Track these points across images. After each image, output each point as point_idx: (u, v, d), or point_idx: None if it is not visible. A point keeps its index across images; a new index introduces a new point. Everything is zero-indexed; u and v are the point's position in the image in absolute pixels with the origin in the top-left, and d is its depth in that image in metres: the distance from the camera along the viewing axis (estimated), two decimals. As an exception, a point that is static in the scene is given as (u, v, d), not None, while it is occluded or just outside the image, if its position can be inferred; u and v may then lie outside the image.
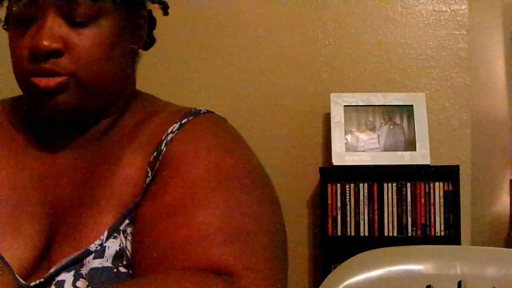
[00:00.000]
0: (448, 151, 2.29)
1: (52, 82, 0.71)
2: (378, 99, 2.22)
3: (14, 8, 0.72)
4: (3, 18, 0.78)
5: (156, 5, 0.83)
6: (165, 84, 2.31)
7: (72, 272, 0.69)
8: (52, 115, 0.75)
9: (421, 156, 2.15)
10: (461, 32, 2.31)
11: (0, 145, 0.78)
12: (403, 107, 2.21)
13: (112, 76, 0.76)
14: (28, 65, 0.71)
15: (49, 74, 0.71)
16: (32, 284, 0.69)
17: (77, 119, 0.77)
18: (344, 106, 2.21)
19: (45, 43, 0.70)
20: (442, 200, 2.10)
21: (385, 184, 2.11)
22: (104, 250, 0.69)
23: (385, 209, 2.11)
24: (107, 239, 0.70)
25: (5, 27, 0.77)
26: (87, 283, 0.68)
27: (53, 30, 0.71)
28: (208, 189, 0.69)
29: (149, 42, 0.85)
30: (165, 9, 0.83)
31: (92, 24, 0.72)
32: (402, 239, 2.08)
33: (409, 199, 2.11)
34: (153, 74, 2.23)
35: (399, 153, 2.17)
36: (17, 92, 0.80)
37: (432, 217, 2.09)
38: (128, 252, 0.70)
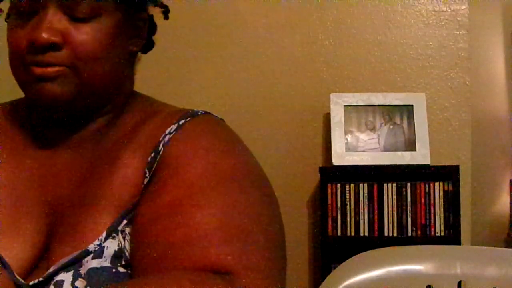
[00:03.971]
0: (448, 151, 2.29)
1: (49, 69, 0.71)
2: (378, 99, 2.22)
3: (16, 1, 0.72)
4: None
5: (157, 9, 0.83)
6: (165, 84, 2.31)
7: (71, 272, 0.69)
8: (47, 106, 0.75)
9: (421, 156, 2.15)
10: (461, 32, 2.31)
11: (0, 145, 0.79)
12: (403, 107, 2.21)
13: (110, 74, 0.76)
14: (26, 56, 0.72)
15: (46, 65, 0.71)
16: (31, 283, 0.69)
17: (72, 113, 0.76)
18: (344, 106, 2.21)
19: (44, 35, 0.70)
20: (442, 200, 2.10)
21: (385, 184, 2.11)
22: (103, 250, 0.69)
23: (385, 209, 2.11)
24: (105, 239, 0.70)
25: (7, 20, 0.77)
26: (85, 283, 0.68)
27: (53, 23, 0.71)
28: (207, 189, 0.69)
29: (148, 45, 0.85)
30: (166, 13, 0.83)
31: (93, 21, 0.73)
32: (402, 239, 2.08)
33: (409, 199, 2.10)
34: (152, 74, 2.23)
35: (399, 153, 2.17)
36: (17, 92, 0.80)
37: (432, 217, 2.09)
38: (126, 252, 0.70)
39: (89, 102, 0.76)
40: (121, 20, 0.76)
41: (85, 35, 0.72)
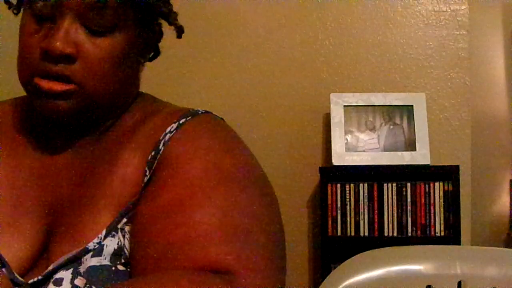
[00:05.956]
0: (448, 151, 2.29)
1: (57, 86, 0.71)
2: (378, 99, 2.22)
3: (37, 4, 0.71)
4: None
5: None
6: (165, 84, 2.31)
7: (71, 270, 0.69)
8: (50, 116, 0.75)
9: (421, 156, 2.15)
10: (461, 32, 2.31)
11: (0, 144, 0.79)
12: (403, 107, 2.21)
13: (117, 87, 0.76)
14: (36, 64, 0.71)
15: (56, 78, 0.70)
16: (31, 281, 0.69)
17: (76, 122, 0.76)
18: (344, 106, 2.21)
19: (59, 45, 0.69)
20: (442, 200, 2.10)
21: (385, 184, 2.11)
22: (102, 249, 0.69)
23: (385, 209, 2.11)
24: (105, 237, 0.70)
25: (15, 11, 0.77)
26: (85, 281, 0.68)
27: (69, 33, 0.70)
28: (207, 188, 0.69)
29: (154, 54, 0.85)
30: (180, 33, 0.81)
31: (109, 35, 0.72)
32: (402, 239, 2.08)
33: (409, 199, 2.10)
34: (153, 74, 2.22)
35: (399, 153, 2.17)
36: (17, 92, 0.80)
37: (432, 217, 2.09)
38: (126, 251, 0.70)
39: (95, 114, 0.76)
40: (135, 33, 0.75)
41: (99, 49, 0.71)
